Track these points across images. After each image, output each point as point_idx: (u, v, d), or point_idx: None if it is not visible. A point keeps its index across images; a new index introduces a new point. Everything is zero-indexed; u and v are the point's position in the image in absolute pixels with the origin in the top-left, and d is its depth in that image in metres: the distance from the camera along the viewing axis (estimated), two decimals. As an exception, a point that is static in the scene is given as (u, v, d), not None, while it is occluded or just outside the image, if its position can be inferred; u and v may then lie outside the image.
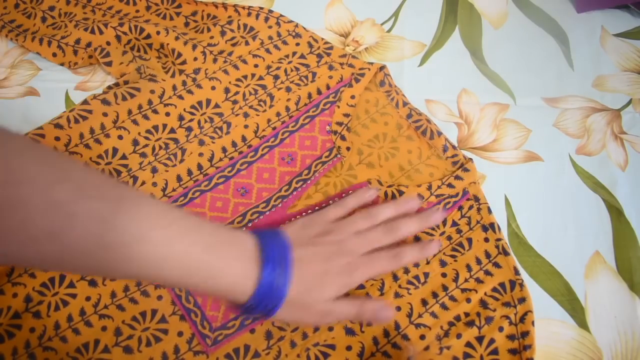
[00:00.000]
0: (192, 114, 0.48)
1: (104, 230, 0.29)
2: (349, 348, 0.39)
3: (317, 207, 0.44)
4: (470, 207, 0.44)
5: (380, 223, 0.39)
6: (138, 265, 0.30)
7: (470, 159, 0.46)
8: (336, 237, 0.38)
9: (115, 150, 0.46)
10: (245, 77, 0.50)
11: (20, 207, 0.27)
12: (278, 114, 0.48)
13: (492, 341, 0.39)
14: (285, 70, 0.51)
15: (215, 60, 0.51)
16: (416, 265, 0.42)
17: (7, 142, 0.28)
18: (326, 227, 0.39)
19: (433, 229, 0.43)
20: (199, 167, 0.46)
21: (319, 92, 0.49)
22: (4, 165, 0.27)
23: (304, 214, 0.43)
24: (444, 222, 0.44)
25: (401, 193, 0.44)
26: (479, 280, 0.41)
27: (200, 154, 0.46)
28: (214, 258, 0.32)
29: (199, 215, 0.44)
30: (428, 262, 0.42)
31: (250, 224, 0.43)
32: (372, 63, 0.50)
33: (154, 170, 0.45)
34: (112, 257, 0.30)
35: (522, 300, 0.40)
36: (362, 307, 0.37)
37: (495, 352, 0.39)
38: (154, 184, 0.45)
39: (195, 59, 0.50)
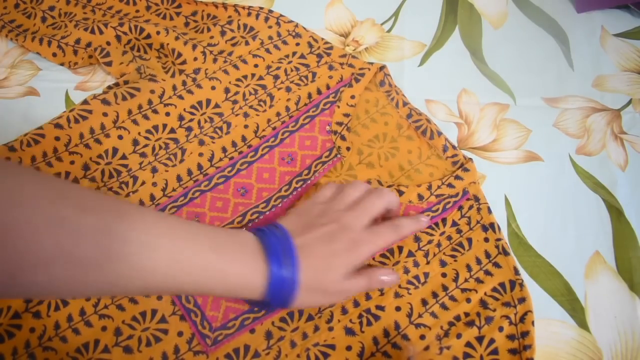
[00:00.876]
0: (192, 114, 0.48)
1: (110, 241, 0.28)
2: (349, 348, 0.39)
3: None
4: (470, 207, 0.44)
5: (369, 190, 0.40)
6: (152, 274, 0.30)
7: (470, 159, 0.46)
8: (332, 215, 0.37)
9: (115, 150, 0.46)
10: (245, 77, 0.50)
11: (25, 227, 0.26)
12: (278, 114, 0.48)
13: (492, 341, 0.39)
14: (285, 70, 0.51)
15: (215, 60, 0.51)
16: (416, 265, 0.42)
17: (1, 166, 0.28)
18: (320, 208, 0.38)
19: (433, 228, 0.43)
20: (199, 167, 0.46)
21: (319, 92, 0.49)
22: (1, 187, 0.26)
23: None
24: (444, 222, 0.44)
25: (401, 193, 0.44)
26: (479, 280, 0.41)
27: (200, 154, 0.46)
28: (223, 260, 0.32)
29: (199, 215, 0.44)
30: (428, 262, 0.42)
31: (250, 224, 0.43)
32: (372, 63, 0.50)
33: (154, 170, 0.45)
34: (123, 269, 0.29)
35: (522, 300, 0.40)
36: (370, 277, 0.38)
37: (495, 352, 0.39)
38: (154, 184, 0.45)
39: (195, 59, 0.50)
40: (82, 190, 0.30)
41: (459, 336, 0.39)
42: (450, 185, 0.45)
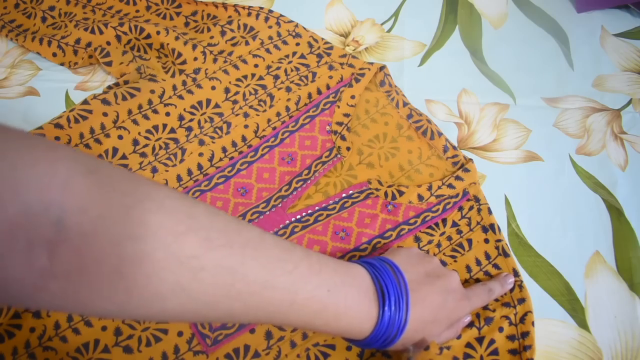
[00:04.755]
0: (192, 113, 0.48)
1: (234, 281, 0.28)
2: (349, 348, 0.39)
3: (317, 207, 0.44)
4: (471, 208, 0.44)
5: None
6: (265, 312, 0.30)
7: (471, 160, 0.46)
8: (445, 280, 0.37)
9: (115, 150, 0.46)
10: (245, 77, 0.50)
11: (146, 262, 0.25)
12: (278, 114, 0.48)
13: (492, 342, 0.39)
14: (286, 70, 0.51)
15: (215, 60, 0.51)
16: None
17: (126, 189, 0.25)
18: (434, 267, 0.38)
19: (433, 228, 0.43)
20: (199, 167, 0.46)
21: (319, 92, 0.49)
22: (125, 217, 0.24)
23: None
24: (444, 223, 0.44)
25: (401, 193, 0.44)
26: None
27: (200, 154, 0.46)
28: (337, 300, 0.32)
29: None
30: (428, 262, 0.42)
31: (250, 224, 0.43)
32: (372, 63, 0.50)
33: (154, 170, 0.45)
34: (238, 307, 0.29)
35: (522, 300, 0.40)
36: (457, 328, 0.38)
37: (495, 352, 0.39)
38: (154, 184, 0.45)
39: (195, 58, 0.50)
40: (210, 216, 0.28)
41: (459, 337, 0.39)
42: (450, 186, 0.45)
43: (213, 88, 0.49)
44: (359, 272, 0.34)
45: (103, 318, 0.38)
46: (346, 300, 0.32)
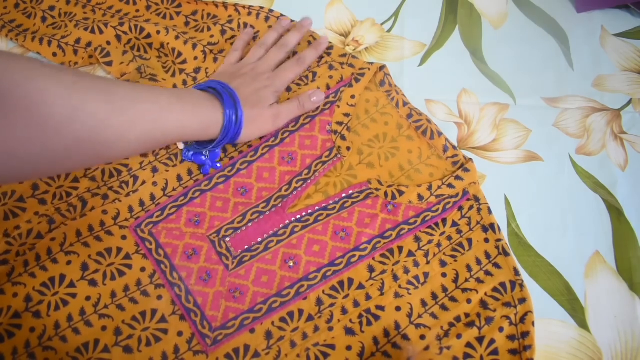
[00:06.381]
0: (192, 113, 0.48)
1: (113, 97, 0.36)
2: (349, 348, 0.39)
3: (317, 207, 0.44)
4: (471, 208, 0.44)
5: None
6: (145, 122, 0.38)
7: (471, 159, 0.46)
8: (247, 68, 0.48)
9: (115, 150, 0.46)
10: (245, 76, 0.50)
11: (45, 94, 0.32)
12: (278, 114, 0.48)
13: (492, 341, 0.39)
14: (286, 70, 0.51)
15: (215, 60, 0.51)
16: (416, 265, 0.42)
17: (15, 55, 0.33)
18: (235, 67, 0.49)
19: (433, 228, 0.43)
20: (200, 166, 0.46)
21: (319, 92, 0.49)
22: (19, 65, 0.32)
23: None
24: (444, 222, 0.44)
25: (401, 193, 0.44)
26: (479, 281, 0.42)
27: (201, 154, 0.46)
28: (189, 105, 0.41)
29: (199, 215, 0.44)
30: (428, 262, 0.42)
31: (250, 224, 0.43)
32: (372, 63, 0.50)
33: (155, 170, 0.45)
34: (124, 121, 0.36)
35: (523, 300, 0.40)
36: (300, 99, 0.47)
37: (495, 352, 0.39)
38: (154, 184, 0.45)
39: (196, 58, 0.50)
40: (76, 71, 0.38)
41: (459, 336, 0.39)
42: (450, 186, 0.45)
43: (213, 88, 0.49)
44: (192, 89, 0.44)
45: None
46: (197, 103, 0.42)
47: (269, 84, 0.47)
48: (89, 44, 0.51)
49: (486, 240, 0.43)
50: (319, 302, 0.41)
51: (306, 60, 0.49)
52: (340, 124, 0.48)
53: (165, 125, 0.40)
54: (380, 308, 0.40)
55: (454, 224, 0.44)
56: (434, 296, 0.41)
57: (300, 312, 0.40)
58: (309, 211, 0.44)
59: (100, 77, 0.38)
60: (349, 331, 0.40)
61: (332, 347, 0.39)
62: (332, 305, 0.40)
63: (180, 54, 0.50)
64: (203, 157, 0.45)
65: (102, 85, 0.36)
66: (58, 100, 0.32)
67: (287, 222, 0.43)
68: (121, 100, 0.36)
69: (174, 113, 0.40)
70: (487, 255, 0.43)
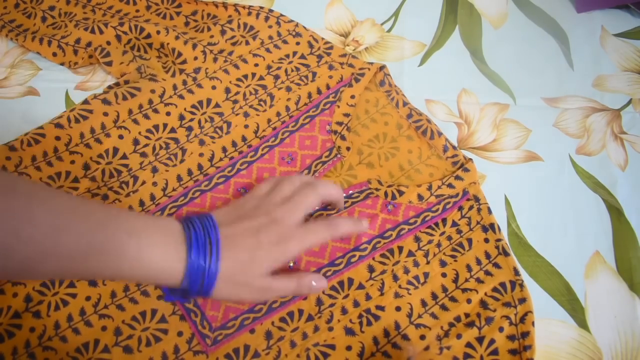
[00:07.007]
0: (192, 113, 0.48)
1: (20, 224, 0.28)
2: (349, 348, 0.39)
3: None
4: (471, 208, 0.44)
5: (304, 183, 0.39)
6: (66, 260, 0.30)
7: (471, 159, 0.46)
8: (264, 209, 0.37)
9: (115, 150, 0.46)
10: (245, 76, 0.50)
11: None
12: (278, 114, 0.48)
13: (492, 341, 0.39)
14: (286, 70, 0.51)
15: (215, 60, 0.51)
16: (416, 265, 0.42)
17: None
18: (255, 202, 0.38)
19: (433, 228, 0.43)
20: (199, 167, 0.46)
21: (319, 92, 0.49)
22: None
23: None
24: (444, 222, 0.44)
25: (401, 193, 0.44)
26: (479, 281, 0.41)
27: (201, 154, 0.46)
28: (137, 244, 0.31)
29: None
30: (428, 262, 0.42)
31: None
32: (372, 63, 0.50)
33: (155, 170, 0.45)
34: (33, 253, 0.29)
35: (523, 300, 0.40)
36: (299, 281, 0.37)
37: (495, 352, 0.39)
38: (154, 184, 0.45)
39: (196, 58, 0.50)
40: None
41: (459, 336, 0.39)
42: (450, 186, 0.45)
43: (213, 87, 0.49)
44: (168, 221, 0.34)
45: None
46: (150, 243, 0.32)
47: (280, 243, 0.35)
48: (89, 44, 0.51)
49: (486, 240, 0.43)
50: (319, 302, 0.41)
51: (339, 228, 0.38)
52: (340, 124, 0.48)
53: (91, 266, 0.31)
54: (380, 308, 0.40)
55: (454, 224, 0.44)
56: (434, 296, 0.41)
57: (300, 312, 0.40)
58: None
59: (36, 192, 0.30)
60: (349, 331, 0.40)
61: (332, 347, 0.39)
62: (332, 305, 0.40)
63: (180, 54, 0.50)
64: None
65: (19, 204, 0.28)
66: None
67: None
68: (39, 228, 0.29)
69: (109, 254, 0.31)
70: (487, 255, 0.43)
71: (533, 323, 0.39)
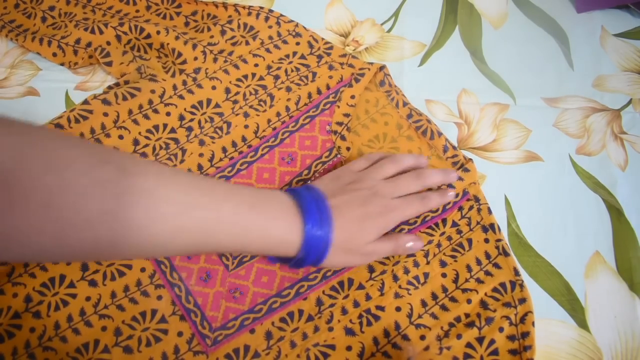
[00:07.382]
0: (192, 113, 0.48)
1: (155, 203, 0.29)
2: (349, 348, 0.39)
3: None
4: (471, 208, 0.44)
5: (406, 170, 0.42)
6: (195, 234, 0.31)
7: (471, 160, 0.46)
8: (367, 183, 0.39)
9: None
10: (245, 77, 0.50)
11: (70, 189, 0.26)
12: (278, 114, 0.48)
13: (492, 342, 0.39)
14: (286, 70, 0.51)
15: (215, 60, 0.51)
16: (416, 265, 0.42)
17: (37, 131, 0.28)
18: (355, 176, 0.40)
19: (433, 228, 0.43)
20: (199, 167, 0.46)
21: (319, 92, 0.49)
22: (41, 152, 0.27)
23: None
24: (444, 223, 0.44)
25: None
26: (479, 281, 0.41)
27: (201, 154, 0.46)
28: (260, 217, 0.34)
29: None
30: (428, 263, 0.42)
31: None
32: (372, 63, 0.50)
33: (154, 170, 0.45)
34: (167, 229, 0.30)
35: (523, 300, 0.40)
36: (397, 242, 0.40)
37: (495, 352, 0.39)
38: (154, 184, 0.45)
39: (196, 58, 0.50)
40: (120, 153, 0.31)
41: (459, 337, 0.39)
42: (450, 186, 0.45)
43: (213, 88, 0.49)
44: (280, 194, 0.37)
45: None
46: (272, 216, 0.34)
47: (384, 213, 0.38)
48: (89, 44, 0.51)
49: (486, 241, 0.43)
50: (319, 302, 0.41)
51: (431, 202, 0.41)
52: (340, 124, 0.48)
53: (219, 239, 0.33)
54: (380, 308, 0.40)
55: (454, 224, 0.44)
56: (434, 296, 0.41)
57: (300, 312, 0.40)
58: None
59: (162, 171, 0.32)
60: (349, 331, 0.40)
61: (332, 347, 0.39)
62: (332, 305, 0.40)
63: (180, 54, 0.50)
64: None
65: (150, 184, 0.30)
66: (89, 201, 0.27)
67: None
68: (173, 205, 0.30)
69: (236, 227, 0.33)
70: (487, 256, 0.43)
71: (533, 323, 0.39)
